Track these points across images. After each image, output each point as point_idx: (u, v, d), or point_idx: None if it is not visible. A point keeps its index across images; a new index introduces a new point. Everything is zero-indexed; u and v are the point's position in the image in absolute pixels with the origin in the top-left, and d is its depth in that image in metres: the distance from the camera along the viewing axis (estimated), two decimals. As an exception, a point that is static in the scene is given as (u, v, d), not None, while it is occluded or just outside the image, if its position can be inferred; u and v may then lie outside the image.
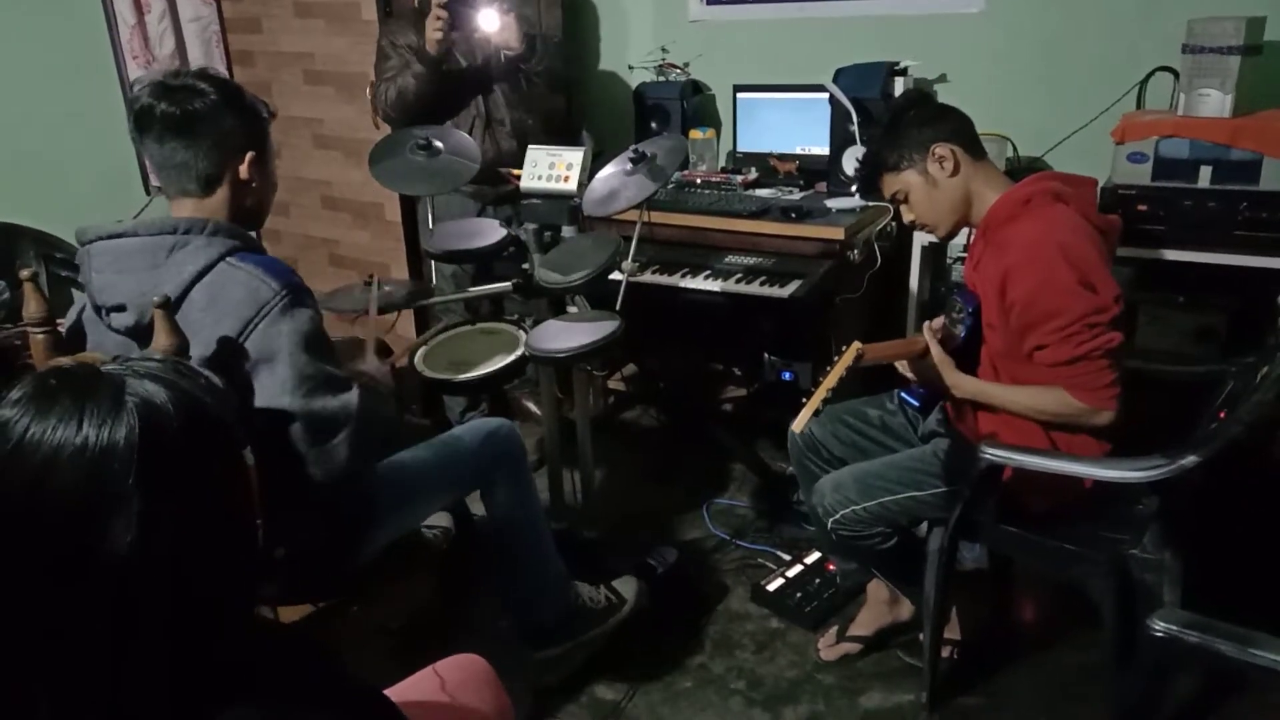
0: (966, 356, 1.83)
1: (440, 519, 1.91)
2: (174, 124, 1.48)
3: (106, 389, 0.76)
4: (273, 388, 1.44)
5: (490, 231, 2.27)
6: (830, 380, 1.64)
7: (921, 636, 2.10)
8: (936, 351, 1.82)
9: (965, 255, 2.63)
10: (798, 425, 1.66)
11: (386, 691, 1.30)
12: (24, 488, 0.73)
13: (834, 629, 2.20)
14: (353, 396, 1.51)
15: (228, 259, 1.46)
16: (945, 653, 2.06)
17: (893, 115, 1.89)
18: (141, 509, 0.73)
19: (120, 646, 0.74)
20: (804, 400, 1.65)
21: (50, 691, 0.74)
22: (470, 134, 2.56)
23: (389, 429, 1.70)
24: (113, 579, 0.73)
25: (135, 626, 0.74)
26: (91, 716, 0.75)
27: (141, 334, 1.47)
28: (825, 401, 1.64)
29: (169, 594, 0.75)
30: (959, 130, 1.82)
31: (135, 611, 0.74)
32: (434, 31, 2.51)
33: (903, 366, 1.93)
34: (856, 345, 1.68)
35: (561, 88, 2.84)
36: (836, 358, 1.69)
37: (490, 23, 2.55)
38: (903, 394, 2.06)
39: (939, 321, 1.92)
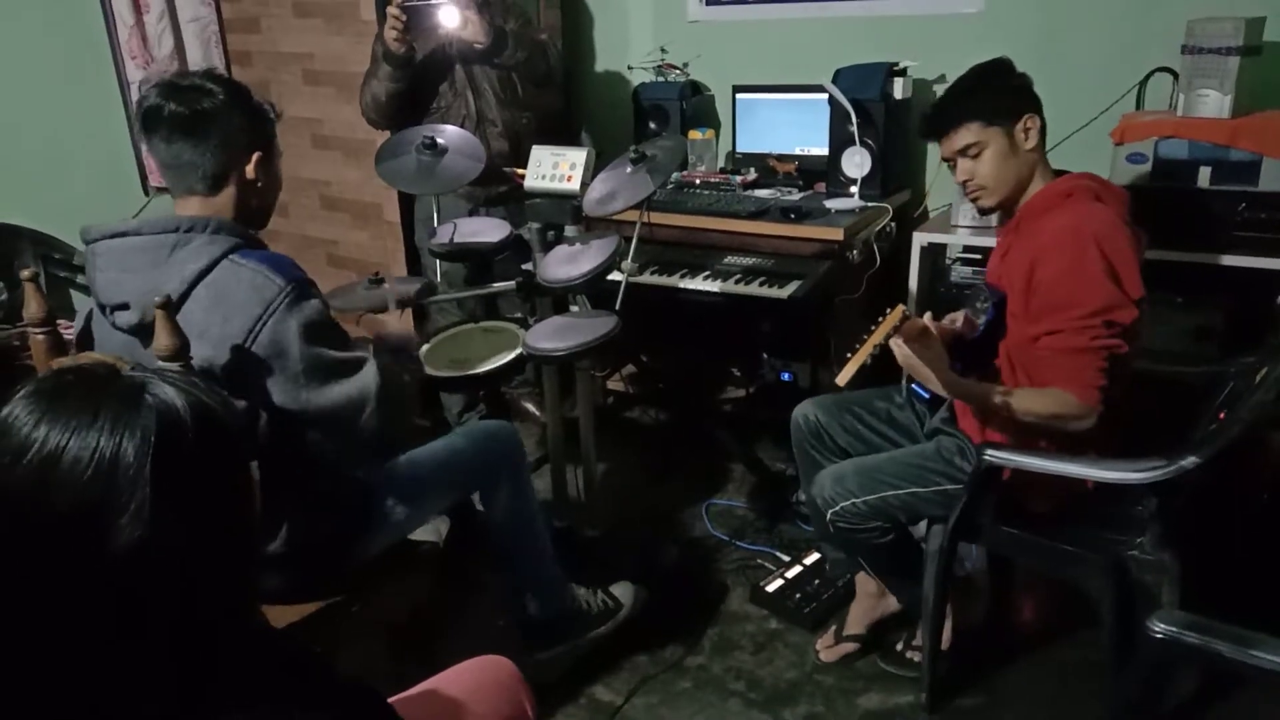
0: (984, 348, 1.83)
1: (428, 533, 1.91)
2: (182, 123, 1.49)
3: (125, 391, 0.75)
4: (286, 382, 1.46)
5: (493, 229, 2.27)
6: (877, 336, 1.60)
7: (910, 641, 2.11)
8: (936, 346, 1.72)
9: (964, 255, 2.66)
10: (842, 379, 1.61)
11: (413, 690, 1.30)
12: (30, 483, 0.72)
13: (832, 630, 2.20)
14: (369, 374, 1.52)
15: (230, 257, 1.46)
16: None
17: (995, 68, 1.84)
18: (150, 513, 0.72)
19: (123, 649, 0.74)
20: (848, 355, 1.61)
21: (51, 692, 0.74)
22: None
23: (414, 394, 1.73)
24: (117, 582, 0.73)
25: (140, 631, 0.74)
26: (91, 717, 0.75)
27: (145, 332, 1.47)
28: (872, 356, 1.60)
29: (173, 600, 0.75)
30: (1041, 113, 1.81)
31: (140, 616, 0.74)
32: (390, 31, 2.51)
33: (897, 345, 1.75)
34: (901, 307, 1.64)
35: (546, 82, 2.82)
36: (881, 319, 1.64)
37: (451, 19, 2.53)
38: (913, 385, 2.05)
39: (960, 314, 1.91)
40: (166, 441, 0.74)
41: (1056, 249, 1.69)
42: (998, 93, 1.81)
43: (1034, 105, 1.81)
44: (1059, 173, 1.86)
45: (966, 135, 1.80)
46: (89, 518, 0.72)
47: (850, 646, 2.15)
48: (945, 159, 1.88)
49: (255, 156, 1.55)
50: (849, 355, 1.61)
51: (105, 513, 0.72)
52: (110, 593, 0.73)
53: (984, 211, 1.91)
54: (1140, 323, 1.70)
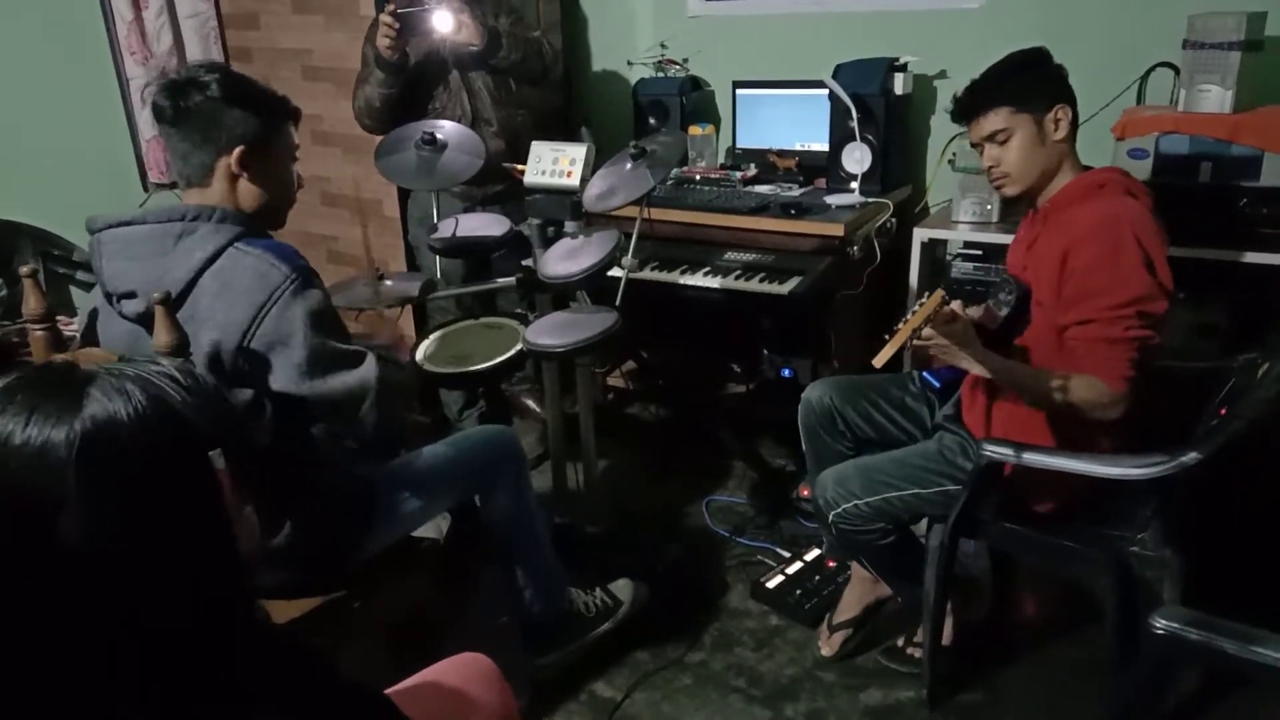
0: (1001, 340, 1.82)
1: (429, 530, 1.92)
2: (169, 118, 1.52)
3: (67, 388, 0.76)
4: (289, 371, 1.46)
5: (493, 225, 2.26)
6: (916, 320, 1.59)
7: (911, 638, 2.10)
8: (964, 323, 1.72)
9: (965, 250, 2.65)
10: (879, 360, 1.60)
11: (391, 689, 1.30)
12: None
13: (826, 621, 2.19)
14: (369, 368, 1.53)
15: (235, 244, 1.48)
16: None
17: (1031, 56, 1.82)
18: (85, 509, 0.72)
19: (81, 650, 0.74)
20: (886, 337, 1.60)
21: (25, 688, 0.74)
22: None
23: (408, 393, 1.73)
24: (69, 578, 0.73)
25: (98, 632, 0.74)
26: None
27: (151, 321, 1.48)
28: (911, 340, 1.60)
29: (138, 597, 0.75)
30: (1074, 106, 1.80)
31: (99, 615, 0.74)
32: (383, 39, 2.50)
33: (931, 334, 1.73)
34: (941, 291, 1.63)
35: (542, 80, 2.81)
36: (921, 302, 1.64)
37: (444, 24, 2.52)
38: (925, 374, 2.04)
39: (978, 308, 1.90)
40: (95, 438, 0.74)
41: (1093, 238, 1.68)
42: (1031, 80, 1.79)
43: (1067, 96, 1.79)
44: (1086, 167, 1.84)
45: (996, 120, 1.79)
46: (34, 507, 0.73)
47: (846, 631, 2.15)
48: (973, 144, 1.87)
49: (238, 151, 1.54)
50: (887, 337, 1.59)
51: (47, 504, 0.72)
52: (64, 587, 0.73)
53: (1007, 200, 1.90)
54: (1169, 315, 1.69)
